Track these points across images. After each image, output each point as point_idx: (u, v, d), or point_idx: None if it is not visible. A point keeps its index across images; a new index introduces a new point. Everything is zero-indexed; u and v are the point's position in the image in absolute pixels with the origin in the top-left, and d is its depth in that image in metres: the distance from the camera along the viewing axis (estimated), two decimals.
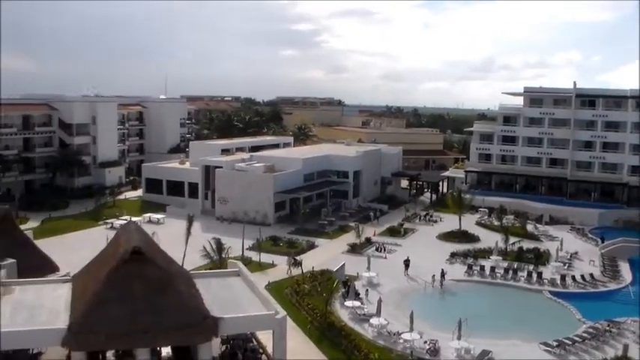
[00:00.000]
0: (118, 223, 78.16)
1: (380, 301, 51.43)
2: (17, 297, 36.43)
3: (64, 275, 42.49)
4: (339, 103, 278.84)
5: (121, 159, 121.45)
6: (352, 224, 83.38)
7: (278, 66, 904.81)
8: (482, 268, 66.16)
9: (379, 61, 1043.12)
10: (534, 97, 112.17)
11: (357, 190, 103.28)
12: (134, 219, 73.39)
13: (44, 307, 34.74)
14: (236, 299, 37.21)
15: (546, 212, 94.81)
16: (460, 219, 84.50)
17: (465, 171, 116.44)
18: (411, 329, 46.33)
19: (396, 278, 62.87)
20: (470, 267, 66.55)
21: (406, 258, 66.25)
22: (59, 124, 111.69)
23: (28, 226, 74.00)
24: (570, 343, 46.67)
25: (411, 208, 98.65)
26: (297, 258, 63.15)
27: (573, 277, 63.94)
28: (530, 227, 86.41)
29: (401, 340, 46.08)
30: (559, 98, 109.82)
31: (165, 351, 35.43)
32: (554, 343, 46.23)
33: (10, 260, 42.38)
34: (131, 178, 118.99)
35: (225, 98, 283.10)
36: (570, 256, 72.32)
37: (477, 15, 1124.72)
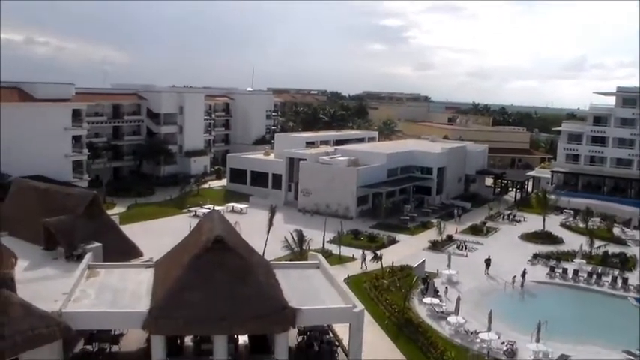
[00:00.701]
0: (201, 211, 79.55)
1: (459, 299, 50.89)
2: (102, 279, 37.34)
3: (148, 260, 43.24)
4: (426, 99, 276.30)
5: (206, 149, 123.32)
6: (434, 221, 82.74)
7: (365, 60, 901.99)
8: (565, 270, 64.65)
9: (467, 57, 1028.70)
10: (627, 97, 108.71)
11: (441, 186, 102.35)
12: (217, 208, 74.72)
13: (127, 290, 35.49)
14: (315, 291, 37.21)
15: (635, 216, 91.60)
16: (544, 220, 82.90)
17: (552, 171, 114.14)
18: (489, 329, 45.73)
19: (476, 277, 62.15)
20: (552, 269, 65.14)
21: (487, 257, 65.43)
22: (147, 114, 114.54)
23: (115, 212, 76.03)
24: None
25: (495, 206, 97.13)
26: (377, 252, 62.90)
27: None
28: (617, 231, 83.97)
29: (478, 340, 45.56)
30: None
31: (242, 339, 35.73)
32: (639, 352, 44.80)
33: (97, 244, 43.44)
34: (216, 167, 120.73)
35: (312, 91, 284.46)
36: None
37: (568, 11, 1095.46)
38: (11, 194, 52.56)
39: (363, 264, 62.74)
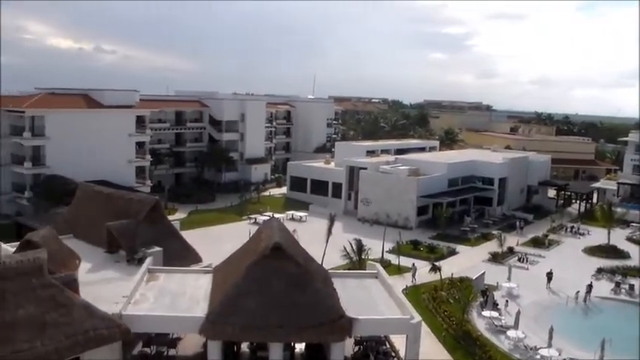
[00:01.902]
0: (261, 218, 79.85)
1: (519, 313, 50.08)
2: (161, 283, 37.81)
3: (207, 266, 43.69)
4: (488, 108, 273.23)
5: (267, 156, 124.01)
6: (495, 232, 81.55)
7: (427, 69, 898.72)
8: (632, 287, 62.77)
9: (530, 66, 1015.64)
10: None
11: (502, 197, 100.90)
12: (277, 215, 74.91)
13: (185, 295, 35.86)
14: (372, 301, 37.01)
15: None
16: (609, 233, 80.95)
17: (618, 183, 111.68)
18: (550, 345, 44.84)
19: (537, 291, 60.93)
20: (617, 285, 63.42)
21: (549, 270, 64.08)
22: (210, 121, 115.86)
23: (176, 217, 76.94)
24: None
25: (558, 219, 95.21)
26: (436, 264, 62.29)
27: None
28: None
29: (538, 356, 44.59)
30: None
31: (299, 347, 35.77)
32: None
33: (157, 248, 44.10)
34: (276, 175, 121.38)
35: (373, 100, 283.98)
36: None
37: (634, 17, 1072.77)
38: (77, 198, 53.86)
39: (414, 279, 61.88)
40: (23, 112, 79.65)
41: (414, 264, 64.13)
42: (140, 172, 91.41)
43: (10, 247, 43.02)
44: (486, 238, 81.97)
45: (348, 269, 52.91)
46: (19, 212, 79.53)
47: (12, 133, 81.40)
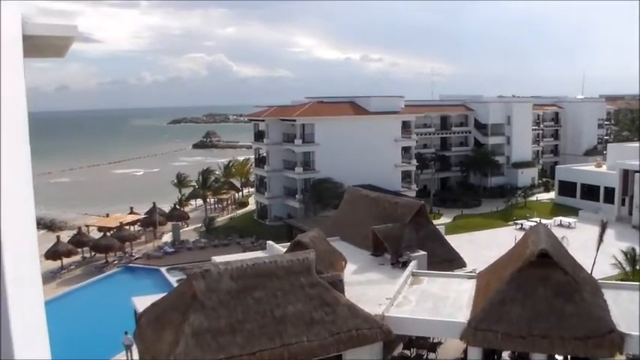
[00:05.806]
0: (527, 224, 77.83)
1: None
2: (424, 287, 38.15)
3: (471, 271, 43.48)
4: None
5: (534, 160, 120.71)
6: None
7: None
8: None
9: None
10: None
11: None
12: (544, 221, 72.63)
13: (448, 299, 35.85)
14: None
15: None
16: None
17: None
18: None
19: None
20: None
21: None
22: (475, 124, 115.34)
23: (441, 222, 77.27)
24: None
25: None
26: None
27: None
28: None
29: None
30: None
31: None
32: None
33: (422, 252, 44.53)
34: (544, 179, 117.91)
35: None
36: None
37: None
38: (344, 201, 56.04)
39: None
40: (294, 120, 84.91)
41: None
42: (406, 176, 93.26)
43: (281, 247, 45.82)
44: None
45: (621, 280, 50.00)
46: (290, 214, 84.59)
47: (284, 141, 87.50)
